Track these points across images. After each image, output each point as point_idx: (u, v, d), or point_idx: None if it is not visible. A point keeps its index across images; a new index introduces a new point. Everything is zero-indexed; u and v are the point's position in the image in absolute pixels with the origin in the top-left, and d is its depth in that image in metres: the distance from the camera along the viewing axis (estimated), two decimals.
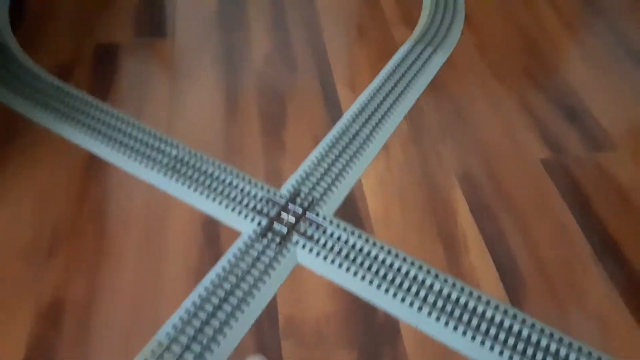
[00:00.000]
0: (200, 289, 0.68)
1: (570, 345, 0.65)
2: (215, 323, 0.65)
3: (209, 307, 0.66)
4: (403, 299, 0.68)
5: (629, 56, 1.09)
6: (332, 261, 0.71)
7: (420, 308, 0.67)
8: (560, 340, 0.65)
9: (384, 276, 0.70)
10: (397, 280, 0.70)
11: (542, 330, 0.66)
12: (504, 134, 0.92)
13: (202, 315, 0.65)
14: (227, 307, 0.66)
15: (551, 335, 0.65)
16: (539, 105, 0.97)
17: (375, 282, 0.70)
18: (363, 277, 0.70)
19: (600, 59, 1.08)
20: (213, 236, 0.74)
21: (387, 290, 0.69)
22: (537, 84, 1.02)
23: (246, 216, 0.75)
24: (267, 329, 0.65)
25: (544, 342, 0.65)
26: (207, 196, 0.78)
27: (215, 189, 0.79)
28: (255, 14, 1.13)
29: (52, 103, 0.89)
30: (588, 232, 0.78)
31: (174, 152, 0.83)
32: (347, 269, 0.71)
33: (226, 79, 0.98)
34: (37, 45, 1.01)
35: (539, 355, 0.63)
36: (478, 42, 1.11)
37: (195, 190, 0.79)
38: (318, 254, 0.72)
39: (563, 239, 0.77)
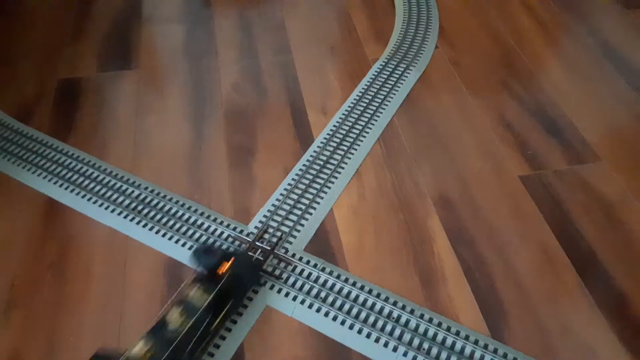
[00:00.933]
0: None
1: None
2: None
3: None
4: (377, 339, 0.64)
5: (609, 61, 1.05)
6: (302, 302, 0.68)
7: (395, 348, 0.63)
8: None
9: (357, 315, 0.66)
10: (371, 319, 0.66)
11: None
12: (481, 152, 0.88)
13: None
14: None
15: None
16: (516, 118, 0.94)
17: (348, 322, 0.66)
18: (335, 318, 0.66)
19: (580, 66, 1.05)
20: (177, 281, 0.71)
21: (360, 331, 0.65)
22: (514, 96, 0.98)
23: None
24: None
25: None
26: (171, 238, 0.75)
27: (178, 230, 0.76)
28: (223, 41, 1.10)
29: (10, 147, 0.86)
30: (571, 254, 0.74)
31: (137, 192, 0.80)
32: (318, 310, 0.67)
33: (193, 111, 0.95)
34: None
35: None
36: (453, 55, 1.08)
37: (158, 232, 0.75)
38: (287, 294, 0.68)
39: (546, 263, 0.73)
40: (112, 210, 0.78)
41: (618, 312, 0.68)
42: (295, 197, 0.80)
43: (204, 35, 1.12)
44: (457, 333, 0.65)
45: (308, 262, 0.72)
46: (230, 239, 0.74)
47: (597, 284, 0.71)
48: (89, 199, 0.79)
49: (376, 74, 1.02)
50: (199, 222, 0.76)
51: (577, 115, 0.95)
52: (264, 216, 0.78)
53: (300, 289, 0.69)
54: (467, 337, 0.64)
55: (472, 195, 0.82)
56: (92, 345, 0.64)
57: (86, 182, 0.81)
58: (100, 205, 0.78)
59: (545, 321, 0.67)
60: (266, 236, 0.75)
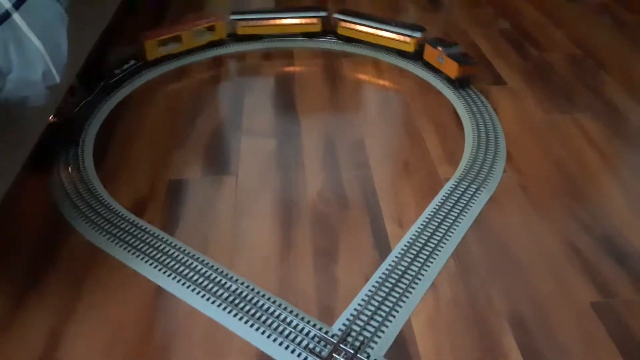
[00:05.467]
0: None
1: None
2: None
3: None
4: None
5: None
6: None
7: None
8: None
9: None
10: None
11: None
12: (551, 275, 0.93)
13: None
14: None
15: None
16: (584, 245, 0.99)
17: None
18: None
19: None
20: None
21: None
22: (581, 223, 1.04)
23: (299, 355, 0.78)
24: None
25: None
26: (263, 332, 0.82)
27: (270, 325, 0.83)
28: (309, 155, 1.24)
29: (127, 237, 0.99)
30: None
31: (234, 286, 0.89)
32: None
33: (283, 216, 1.07)
34: (116, 182, 1.14)
35: None
36: (520, 180, 1.16)
37: (252, 325, 0.83)
38: None
39: None
40: (213, 302, 0.87)
41: None
42: (376, 303, 0.87)
43: (292, 149, 1.26)
44: None
45: None
46: (316, 339, 0.81)
47: None
48: (192, 289, 0.89)
49: (449, 192, 1.12)
50: (288, 319, 0.84)
51: None
52: (347, 319, 0.84)
53: None
54: None
55: (545, 317, 0.86)
56: None
57: (190, 273, 0.92)
58: (202, 295, 0.88)
59: None
60: (349, 339, 0.81)
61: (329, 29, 1.75)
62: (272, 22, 1.71)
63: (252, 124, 1.35)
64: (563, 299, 0.89)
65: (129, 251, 0.96)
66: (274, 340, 0.81)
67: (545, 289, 0.91)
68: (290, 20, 1.72)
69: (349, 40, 1.70)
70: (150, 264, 0.94)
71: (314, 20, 1.72)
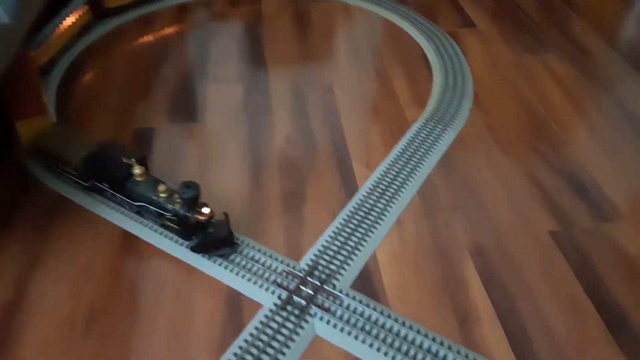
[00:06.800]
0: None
1: None
2: None
3: None
4: None
5: (633, 128, 1.14)
6: (349, 333, 0.75)
7: None
8: None
9: (399, 348, 0.73)
10: (412, 352, 0.72)
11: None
12: (513, 208, 0.96)
13: None
14: None
15: None
16: (546, 179, 1.02)
17: (391, 353, 0.72)
18: (378, 349, 0.73)
19: (605, 131, 1.13)
20: (236, 309, 0.79)
21: None
22: (544, 159, 1.07)
23: (267, 289, 0.80)
24: None
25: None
26: (232, 270, 0.83)
27: (238, 264, 0.84)
28: (277, 101, 1.23)
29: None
30: (598, 305, 0.79)
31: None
32: (364, 341, 0.74)
33: (251, 161, 1.07)
34: (80, 132, 1.12)
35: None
36: (486, 119, 1.18)
37: (221, 264, 0.84)
38: (335, 325, 0.76)
39: (574, 312, 0.79)
40: (181, 244, 0.87)
41: None
42: (342, 239, 0.89)
43: (260, 95, 1.25)
44: None
45: (354, 298, 0.79)
46: (284, 273, 0.83)
47: (623, 334, 0.76)
48: (160, 233, 0.89)
49: (416, 134, 1.13)
50: (256, 257, 0.85)
51: (603, 179, 1.02)
52: (314, 255, 0.86)
53: (347, 321, 0.76)
54: None
55: (505, 247, 0.89)
56: (164, 348, 0.72)
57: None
58: (171, 238, 0.88)
59: None
60: (316, 273, 0.83)
61: None
62: None
63: (219, 71, 1.33)
64: (523, 230, 0.92)
65: (94, 198, 0.96)
66: (243, 276, 0.82)
67: (506, 221, 0.94)
68: None
69: None
70: (117, 210, 0.93)
71: None
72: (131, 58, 1.38)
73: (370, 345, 0.73)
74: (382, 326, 0.75)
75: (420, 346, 0.73)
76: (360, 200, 0.97)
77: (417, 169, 1.04)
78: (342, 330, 0.75)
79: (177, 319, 0.77)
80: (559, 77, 1.31)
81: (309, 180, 1.02)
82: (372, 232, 0.91)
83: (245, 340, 0.74)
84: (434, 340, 0.74)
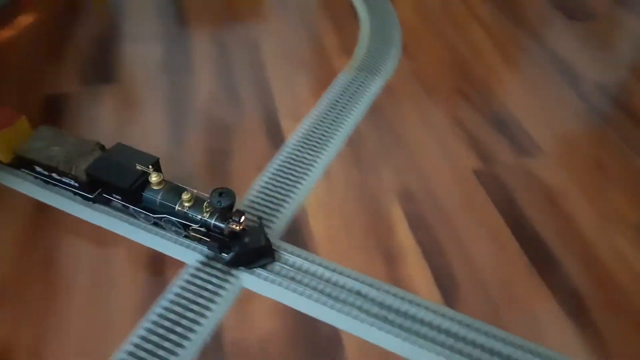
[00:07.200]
0: (146, 323, 0.69)
1: (504, 340, 0.68)
2: (162, 353, 0.66)
3: (155, 339, 0.68)
4: (346, 312, 0.70)
5: (555, 68, 1.16)
6: (279, 283, 0.74)
7: (362, 319, 0.70)
8: (495, 336, 0.68)
9: (328, 293, 0.73)
10: (341, 296, 0.73)
11: (477, 329, 0.69)
12: (438, 150, 0.97)
13: (149, 347, 0.67)
14: (173, 337, 0.68)
15: (486, 333, 0.68)
16: (470, 120, 1.03)
17: (320, 299, 0.72)
18: (308, 296, 0.72)
19: (528, 72, 1.15)
20: (159, 270, 0.76)
21: (331, 306, 0.71)
22: (468, 100, 1.08)
23: (188, 245, 0.78)
24: (212, 355, 0.67)
25: (479, 340, 0.68)
26: (152, 231, 0.80)
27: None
28: (200, 59, 1.18)
29: None
30: (520, 237, 0.82)
31: None
32: (292, 289, 0.73)
33: (173, 121, 1.02)
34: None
35: (476, 353, 0.66)
36: (413, 66, 1.17)
37: (139, 226, 0.81)
38: (266, 278, 0.74)
39: (497, 245, 0.81)
40: (101, 211, 0.83)
41: (560, 285, 0.76)
42: (269, 192, 0.87)
43: (181, 54, 1.19)
44: (417, 304, 0.71)
45: (283, 249, 0.78)
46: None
47: (543, 262, 0.79)
48: (74, 200, 0.84)
49: (343, 83, 1.11)
50: None
51: (525, 116, 1.04)
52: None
53: (278, 273, 0.75)
54: (426, 307, 0.71)
55: (430, 188, 0.90)
56: (80, 330, 0.69)
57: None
58: (85, 204, 0.84)
59: (496, 296, 0.74)
60: None
61: None
62: None
63: (136, 30, 1.26)
64: (448, 170, 0.93)
65: (3, 170, 0.89)
66: (163, 236, 0.79)
67: (432, 163, 0.94)
68: None
69: None
70: (29, 180, 0.87)
71: None
72: (39, 19, 1.28)
73: (300, 293, 0.73)
74: (311, 273, 0.75)
75: (349, 289, 0.73)
76: (288, 153, 0.95)
77: (345, 118, 1.03)
78: (271, 281, 0.74)
79: (97, 288, 0.74)
80: (483, 21, 1.32)
81: (234, 136, 0.99)
82: (300, 183, 0.89)
83: (170, 300, 0.72)
84: (361, 282, 0.74)
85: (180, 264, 0.77)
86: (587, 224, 0.84)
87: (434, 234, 0.82)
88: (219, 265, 0.75)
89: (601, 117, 1.04)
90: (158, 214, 0.76)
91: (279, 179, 0.90)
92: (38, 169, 0.82)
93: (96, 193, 0.80)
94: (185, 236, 0.78)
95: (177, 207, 0.74)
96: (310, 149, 0.96)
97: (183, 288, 0.73)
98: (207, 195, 0.74)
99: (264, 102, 1.07)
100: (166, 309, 0.71)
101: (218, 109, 1.05)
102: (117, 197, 0.78)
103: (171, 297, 0.72)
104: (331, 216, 0.85)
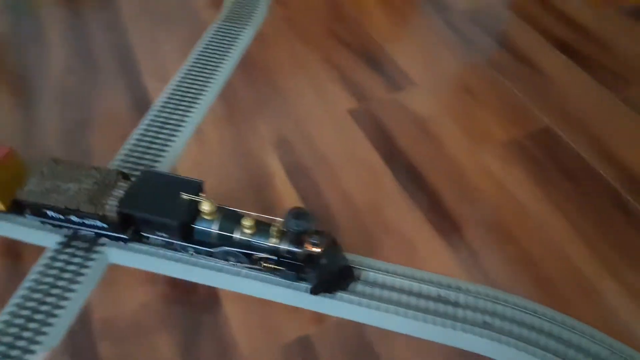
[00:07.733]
0: (3, 316, 0.63)
1: (381, 269, 0.68)
2: (22, 344, 0.61)
3: (14, 330, 0.62)
4: (219, 269, 0.68)
5: (430, 6, 1.16)
6: (146, 252, 0.70)
7: (236, 273, 0.68)
8: (371, 266, 0.68)
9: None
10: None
11: (359, 264, 0.69)
12: (314, 95, 0.95)
13: (8, 340, 0.61)
14: (34, 326, 0.62)
15: (370, 266, 0.69)
16: (344, 61, 1.02)
17: (191, 260, 0.69)
18: (178, 260, 0.69)
19: (401, 9, 1.15)
20: (15, 258, 0.70)
21: (203, 266, 0.68)
22: (341, 42, 1.06)
23: (48, 229, 0.71)
24: (80, 337, 0.63)
25: (363, 275, 0.68)
26: (2, 218, 0.73)
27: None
28: (52, 29, 1.07)
29: None
30: (393, 166, 0.82)
31: None
32: (164, 256, 0.69)
33: (22, 94, 0.92)
34: None
35: (358, 288, 0.66)
36: (286, 13, 1.13)
37: None
38: (132, 249, 0.70)
39: (372, 178, 0.81)
40: None
41: (431, 206, 0.77)
42: (133, 161, 0.81)
43: (29, 25, 1.08)
44: None
45: None
46: None
47: (415, 187, 0.80)
48: None
49: (212, 36, 1.05)
50: None
51: (398, 53, 1.04)
52: None
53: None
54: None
55: (307, 133, 0.88)
56: None
57: None
58: None
59: (373, 227, 0.75)
60: None
61: None
62: None
63: None
64: (324, 114, 0.91)
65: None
66: (15, 222, 0.72)
67: (307, 109, 0.92)
68: None
69: None
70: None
71: None
72: None
73: (170, 258, 0.69)
74: None
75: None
76: (154, 116, 0.89)
77: (216, 73, 0.98)
78: (138, 251, 0.70)
79: None
80: None
81: (94, 106, 0.92)
82: (168, 146, 0.84)
83: (28, 288, 0.66)
84: None
85: (39, 249, 0.70)
86: (456, 146, 0.86)
87: (311, 177, 0.81)
88: (81, 245, 0.70)
89: (471, 46, 1.06)
90: (213, 247, 0.66)
91: (144, 144, 0.84)
92: (51, 213, 0.67)
93: (130, 231, 0.67)
94: (250, 268, 0.67)
95: (236, 235, 0.64)
96: (178, 109, 0.90)
97: (42, 273, 0.67)
98: (269, 217, 0.64)
99: (126, 66, 0.99)
100: (24, 297, 0.65)
101: (74, 80, 0.96)
102: (163, 235, 0.66)
103: (30, 284, 0.66)
104: (207, 175, 0.81)
